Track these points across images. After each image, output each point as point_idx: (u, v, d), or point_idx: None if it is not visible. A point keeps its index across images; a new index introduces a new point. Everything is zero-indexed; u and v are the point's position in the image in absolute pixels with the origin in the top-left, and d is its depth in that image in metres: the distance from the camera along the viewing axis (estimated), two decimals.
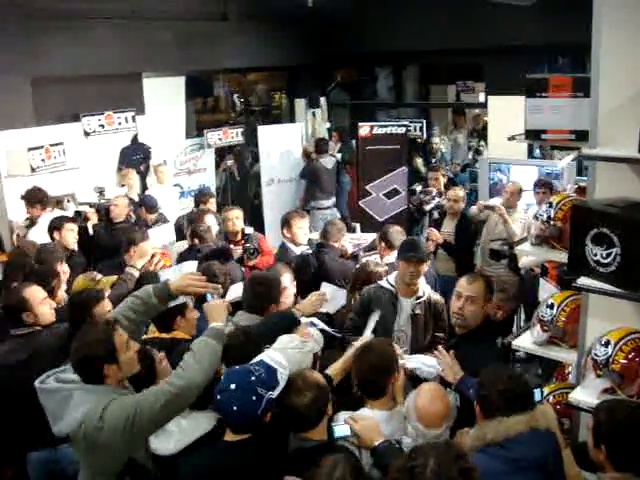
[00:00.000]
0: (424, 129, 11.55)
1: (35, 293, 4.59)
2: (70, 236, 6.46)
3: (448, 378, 3.84)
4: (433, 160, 11.59)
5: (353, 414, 3.36)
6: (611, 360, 3.20)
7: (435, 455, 2.32)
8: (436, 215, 7.87)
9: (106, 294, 4.66)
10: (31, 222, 7.35)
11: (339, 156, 11.53)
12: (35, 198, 7.38)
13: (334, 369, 3.67)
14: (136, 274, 5.60)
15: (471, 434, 3.00)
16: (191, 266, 4.73)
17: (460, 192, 7.71)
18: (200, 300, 3.89)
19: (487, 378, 3.12)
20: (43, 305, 4.58)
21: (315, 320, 4.08)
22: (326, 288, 4.81)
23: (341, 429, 3.28)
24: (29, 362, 4.29)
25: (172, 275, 3.83)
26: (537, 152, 10.27)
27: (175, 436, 3.08)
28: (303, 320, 3.81)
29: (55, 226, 6.55)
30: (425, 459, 2.31)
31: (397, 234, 5.72)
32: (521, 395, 3.01)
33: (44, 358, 4.16)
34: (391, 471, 2.38)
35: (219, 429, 3.06)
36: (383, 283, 4.91)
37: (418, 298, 4.83)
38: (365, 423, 3.29)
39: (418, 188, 8.06)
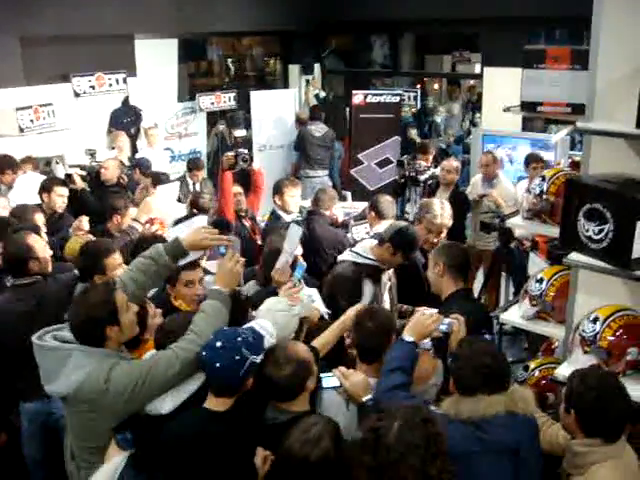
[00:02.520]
0: (418, 99, 11.47)
1: (38, 240, 4.57)
2: (59, 200, 6.37)
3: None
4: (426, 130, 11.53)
5: (344, 370, 3.34)
6: (599, 337, 3.19)
7: (401, 418, 2.33)
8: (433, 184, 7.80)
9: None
10: (8, 188, 7.23)
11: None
12: (4, 165, 7.25)
13: (322, 339, 3.61)
14: (139, 228, 5.53)
15: (446, 405, 2.93)
16: (202, 220, 4.64)
17: (454, 163, 7.65)
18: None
19: (463, 352, 3.04)
20: (46, 250, 4.57)
21: (314, 294, 4.03)
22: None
23: (330, 381, 3.29)
24: (33, 312, 4.26)
25: (182, 232, 3.71)
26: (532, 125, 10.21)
27: (169, 396, 3.04)
28: (302, 293, 3.70)
29: (45, 188, 6.45)
30: (390, 421, 2.31)
31: (387, 204, 5.66)
32: (497, 372, 2.93)
33: (50, 307, 4.20)
34: (361, 430, 2.41)
35: (202, 390, 3.02)
36: (357, 259, 4.72)
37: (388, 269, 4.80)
38: (354, 379, 3.28)
39: (406, 160, 7.98)
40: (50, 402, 4.19)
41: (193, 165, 8.87)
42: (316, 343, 3.56)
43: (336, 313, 3.92)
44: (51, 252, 4.70)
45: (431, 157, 8.58)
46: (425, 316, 3.43)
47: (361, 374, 3.33)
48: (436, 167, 7.95)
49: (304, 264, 3.94)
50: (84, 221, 5.65)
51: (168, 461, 2.86)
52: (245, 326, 3.14)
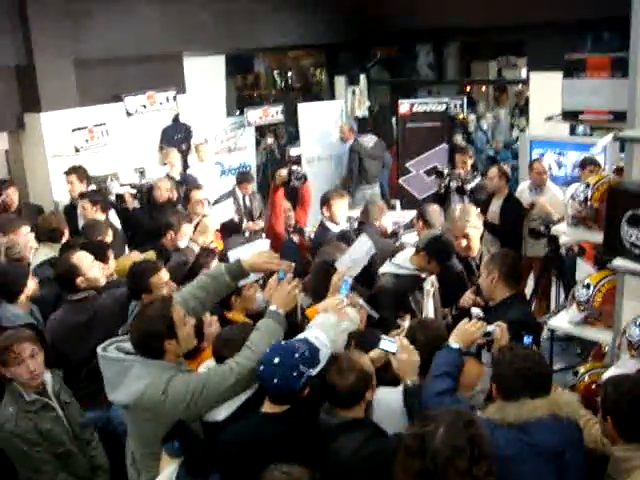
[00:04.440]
0: (464, 106, 11.48)
1: (82, 257, 4.81)
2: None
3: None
4: (468, 138, 11.50)
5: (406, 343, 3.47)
6: None
7: (445, 422, 2.40)
8: (483, 196, 7.79)
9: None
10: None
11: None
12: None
13: (375, 356, 3.63)
14: (196, 249, 5.69)
15: (490, 411, 3.01)
16: (263, 244, 4.82)
17: (495, 169, 7.71)
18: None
19: (504, 357, 3.12)
20: (93, 268, 4.81)
21: (360, 300, 4.14)
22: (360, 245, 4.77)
23: (387, 345, 3.45)
24: (89, 324, 4.54)
25: (243, 254, 3.89)
26: (580, 129, 10.14)
27: (223, 406, 3.20)
28: (349, 308, 3.75)
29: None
30: (436, 426, 2.39)
31: (435, 213, 5.76)
32: (539, 376, 2.99)
33: (105, 320, 4.48)
34: (406, 437, 2.49)
35: (257, 396, 3.16)
36: (397, 270, 4.86)
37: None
38: (408, 358, 3.41)
39: (445, 170, 8.00)
40: (109, 410, 4.40)
41: (242, 178, 9.01)
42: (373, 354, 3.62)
43: (381, 327, 4.02)
44: (106, 267, 4.92)
45: (470, 161, 8.59)
46: (470, 323, 3.54)
47: (417, 356, 3.44)
48: (483, 176, 7.98)
49: (349, 280, 4.01)
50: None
51: (226, 464, 3.00)
52: (299, 337, 3.26)
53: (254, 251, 3.84)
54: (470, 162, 8.56)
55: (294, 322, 3.62)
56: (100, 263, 4.95)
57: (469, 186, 7.65)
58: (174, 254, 5.74)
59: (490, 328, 3.60)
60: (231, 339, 3.44)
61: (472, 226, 5.32)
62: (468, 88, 13.20)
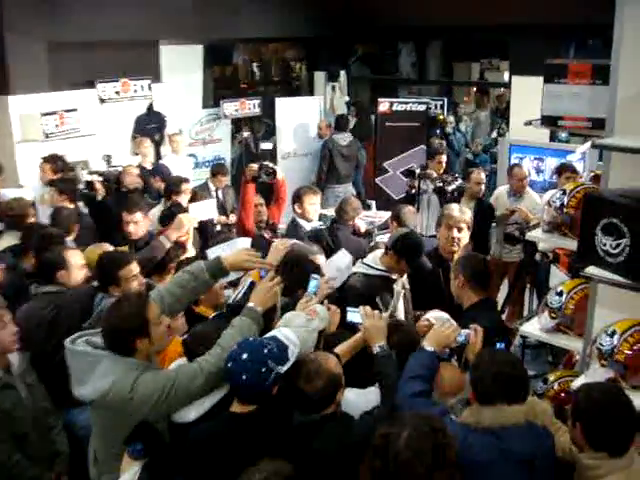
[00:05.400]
0: (445, 107, 11.53)
1: (77, 257, 4.82)
2: None
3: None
4: (446, 140, 11.52)
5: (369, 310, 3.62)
6: (616, 350, 3.25)
7: (412, 425, 2.42)
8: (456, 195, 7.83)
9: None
10: None
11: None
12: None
13: (343, 348, 3.66)
14: (167, 244, 5.59)
15: (466, 414, 3.01)
16: (245, 242, 4.80)
17: (482, 175, 7.76)
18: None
19: (482, 359, 3.12)
20: (80, 271, 4.79)
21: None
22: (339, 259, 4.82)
23: (354, 316, 3.63)
24: (51, 321, 4.47)
25: (223, 251, 3.87)
26: (563, 136, 10.21)
27: (194, 405, 3.18)
28: (317, 306, 3.75)
29: None
30: (402, 428, 2.41)
31: (409, 214, 5.77)
32: (517, 381, 2.99)
33: (67, 317, 4.42)
34: (375, 436, 2.51)
35: (228, 398, 3.14)
36: (366, 270, 4.82)
37: (401, 275, 4.88)
38: (375, 322, 3.55)
39: (417, 170, 7.98)
40: (73, 412, 4.30)
41: (217, 170, 8.98)
42: (338, 350, 3.61)
43: (348, 326, 3.99)
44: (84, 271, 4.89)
45: (444, 163, 8.62)
46: (445, 326, 3.56)
47: (382, 320, 3.56)
48: (464, 179, 8.01)
49: (318, 277, 4.02)
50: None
51: (193, 465, 2.97)
52: (268, 335, 3.23)
53: (234, 249, 3.85)
54: (443, 162, 8.59)
55: (271, 321, 3.60)
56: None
57: (450, 188, 7.66)
58: (144, 250, 5.65)
59: (464, 332, 3.61)
60: (205, 336, 3.43)
61: (466, 223, 5.27)
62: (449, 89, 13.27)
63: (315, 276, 4.00)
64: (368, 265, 4.82)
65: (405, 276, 4.88)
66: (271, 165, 6.43)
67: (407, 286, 4.91)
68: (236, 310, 3.54)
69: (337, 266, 4.59)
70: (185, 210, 6.50)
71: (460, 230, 5.18)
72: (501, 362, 3.04)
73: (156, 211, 6.98)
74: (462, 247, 5.20)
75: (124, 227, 6.00)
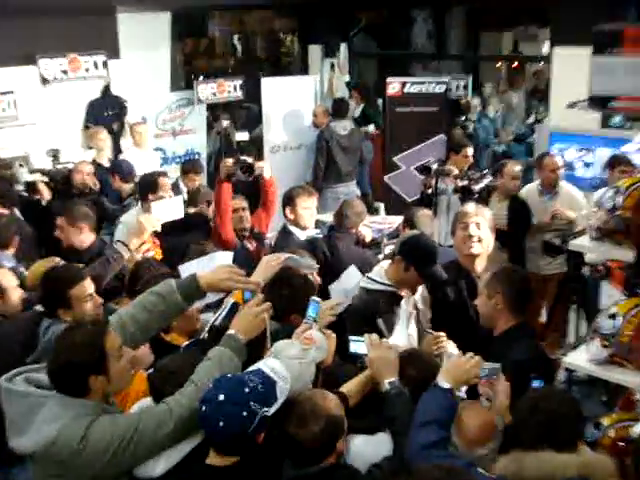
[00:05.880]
0: (469, 88, 11.51)
1: (9, 277, 4.85)
2: None
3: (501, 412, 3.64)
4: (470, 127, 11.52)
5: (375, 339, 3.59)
6: None
7: None
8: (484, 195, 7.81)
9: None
10: None
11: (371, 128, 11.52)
12: None
13: (351, 387, 3.63)
14: (125, 255, 5.55)
15: (502, 464, 2.97)
16: (226, 257, 4.76)
17: (518, 167, 7.75)
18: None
19: (525, 396, 3.11)
20: (17, 292, 4.83)
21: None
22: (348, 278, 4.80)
23: (357, 347, 3.60)
24: None
25: (200, 268, 3.83)
26: (616, 120, 10.13)
27: (162, 456, 3.13)
28: (316, 333, 3.68)
29: None
30: None
31: (425, 219, 5.75)
32: (568, 423, 2.98)
33: (5, 351, 4.37)
34: None
35: (203, 447, 3.10)
36: (368, 284, 4.81)
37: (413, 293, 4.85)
38: (383, 353, 3.51)
39: (434, 166, 7.94)
40: (12, 472, 4.23)
41: (189, 167, 8.92)
42: (345, 389, 3.60)
43: (349, 358, 3.98)
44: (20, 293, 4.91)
45: (471, 158, 8.62)
46: (464, 359, 3.52)
47: (392, 351, 3.53)
48: (494, 175, 7.99)
49: (318, 300, 3.96)
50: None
51: None
52: (251, 368, 3.19)
53: (213, 265, 3.80)
54: (471, 158, 8.58)
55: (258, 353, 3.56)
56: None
57: (477, 187, 7.63)
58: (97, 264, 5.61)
59: (488, 366, 3.57)
60: (176, 371, 3.39)
61: (486, 220, 5.19)
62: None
63: (315, 299, 3.95)
64: (371, 279, 4.80)
65: (418, 294, 4.84)
66: (249, 160, 6.39)
67: (420, 306, 4.87)
68: (216, 337, 3.50)
69: (344, 288, 4.54)
70: None
71: (478, 226, 5.11)
72: (549, 399, 3.01)
73: (129, 218, 6.92)
74: (486, 253, 5.13)
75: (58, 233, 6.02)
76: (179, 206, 6.95)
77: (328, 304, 4.11)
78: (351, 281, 4.71)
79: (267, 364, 3.20)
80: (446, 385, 3.40)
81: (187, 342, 4.15)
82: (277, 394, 3.05)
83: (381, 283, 4.74)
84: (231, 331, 3.40)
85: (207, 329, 3.94)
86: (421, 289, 4.91)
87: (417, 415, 3.34)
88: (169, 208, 6.79)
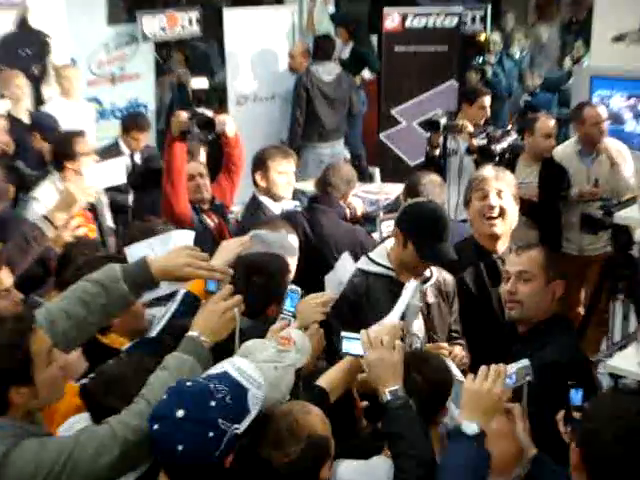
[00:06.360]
0: (488, 21, 11.52)
1: None
2: None
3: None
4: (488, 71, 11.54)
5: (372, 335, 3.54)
6: None
7: None
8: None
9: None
10: None
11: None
12: None
13: (330, 380, 3.67)
14: (48, 232, 5.43)
15: None
16: (185, 237, 4.72)
17: (552, 122, 7.79)
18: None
19: (598, 404, 3.05)
20: None
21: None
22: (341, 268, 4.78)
23: (350, 345, 3.60)
24: None
25: (152, 250, 3.78)
26: None
27: None
28: (295, 331, 3.67)
29: None
30: None
31: (433, 187, 5.73)
32: None
33: None
34: None
35: (154, 472, 3.05)
36: (365, 266, 4.80)
37: (426, 280, 4.79)
38: (384, 355, 3.47)
39: (442, 120, 7.88)
40: None
41: (132, 123, 8.91)
42: (324, 382, 3.64)
43: (332, 347, 3.99)
44: None
45: (488, 110, 8.61)
46: (479, 379, 3.40)
47: (396, 351, 3.49)
48: (520, 132, 8.00)
49: (298, 290, 3.98)
50: None
51: None
52: (214, 371, 3.14)
53: (168, 247, 3.77)
54: (488, 110, 8.56)
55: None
56: None
57: (499, 147, 7.64)
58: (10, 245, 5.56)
59: (514, 368, 3.49)
60: (117, 380, 3.35)
61: (509, 187, 5.18)
62: None
63: (294, 288, 3.97)
64: (370, 259, 4.78)
65: (429, 284, 4.80)
66: (208, 113, 6.36)
67: (431, 300, 4.82)
68: (176, 336, 3.47)
69: (339, 279, 4.49)
70: None
71: (500, 194, 5.09)
72: (628, 409, 2.94)
73: (45, 192, 6.84)
74: (510, 230, 5.14)
75: None
76: (120, 170, 6.90)
77: (318, 298, 4.09)
78: (346, 270, 4.66)
79: (235, 365, 3.11)
80: (473, 429, 3.26)
81: (130, 344, 4.10)
82: (249, 405, 2.98)
83: (378, 264, 4.72)
84: (193, 332, 3.35)
85: (159, 329, 3.93)
86: (436, 274, 4.86)
87: (441, 472, 3.26)
88: (108, 172, 6.73)
